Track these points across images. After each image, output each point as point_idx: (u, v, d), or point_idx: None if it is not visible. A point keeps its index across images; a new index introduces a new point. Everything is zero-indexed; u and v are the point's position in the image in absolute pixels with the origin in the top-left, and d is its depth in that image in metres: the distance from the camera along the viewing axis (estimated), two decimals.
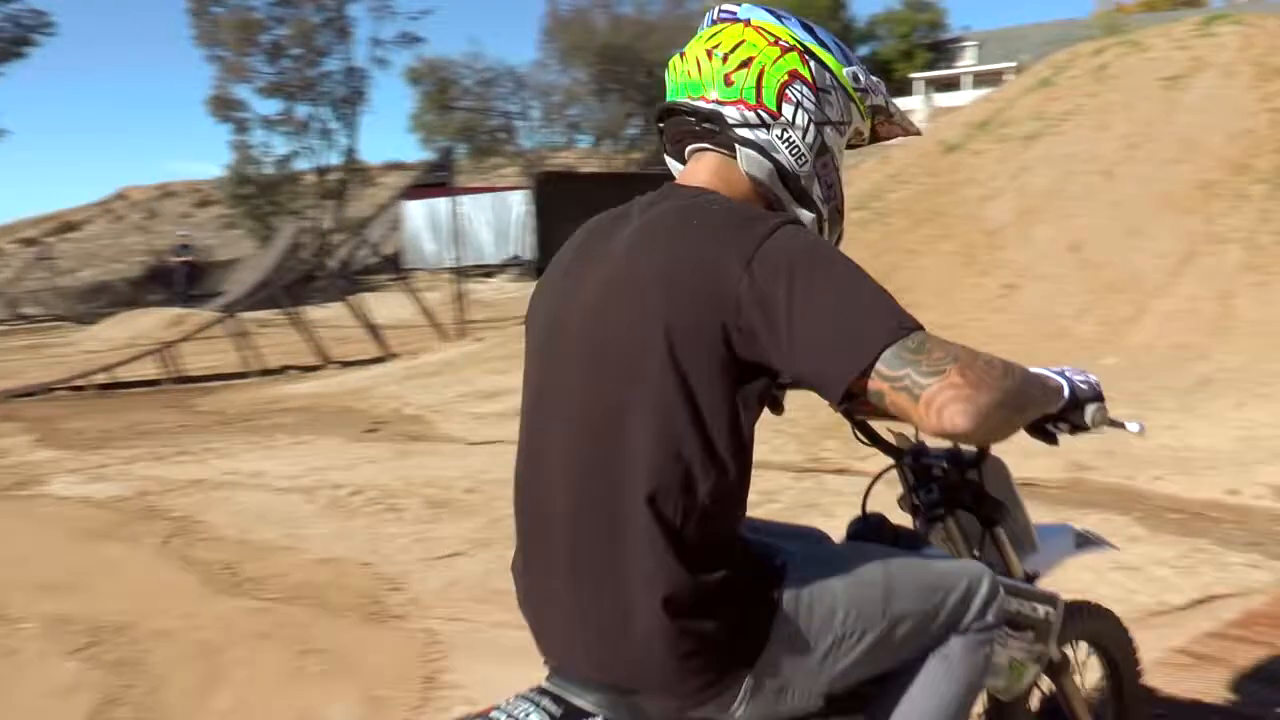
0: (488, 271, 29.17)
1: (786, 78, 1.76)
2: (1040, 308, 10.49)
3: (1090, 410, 1.88)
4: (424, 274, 26.59)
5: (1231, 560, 4.69)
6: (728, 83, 1.76)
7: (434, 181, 26.19)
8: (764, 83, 1.75)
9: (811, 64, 1.80)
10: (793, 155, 1.77)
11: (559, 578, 1.70)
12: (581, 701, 1.71)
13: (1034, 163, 13.08)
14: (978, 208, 12.81)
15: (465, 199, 29.21)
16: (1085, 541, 2.48)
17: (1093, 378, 1.91)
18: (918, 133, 2.12)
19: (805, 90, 1.78)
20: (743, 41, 1.77)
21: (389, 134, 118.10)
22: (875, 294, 1.55)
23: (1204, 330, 9.44)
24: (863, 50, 72.23)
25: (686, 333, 1.57)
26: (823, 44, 1.84)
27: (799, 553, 1.78)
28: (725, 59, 1.76)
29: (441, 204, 25.81)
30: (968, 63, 71.84)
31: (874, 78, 1.94)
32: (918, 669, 1.83)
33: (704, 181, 1.78)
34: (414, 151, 62.79)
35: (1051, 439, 1.95)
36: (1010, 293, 10.94)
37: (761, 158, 1.76)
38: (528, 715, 1.69)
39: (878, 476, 2.23)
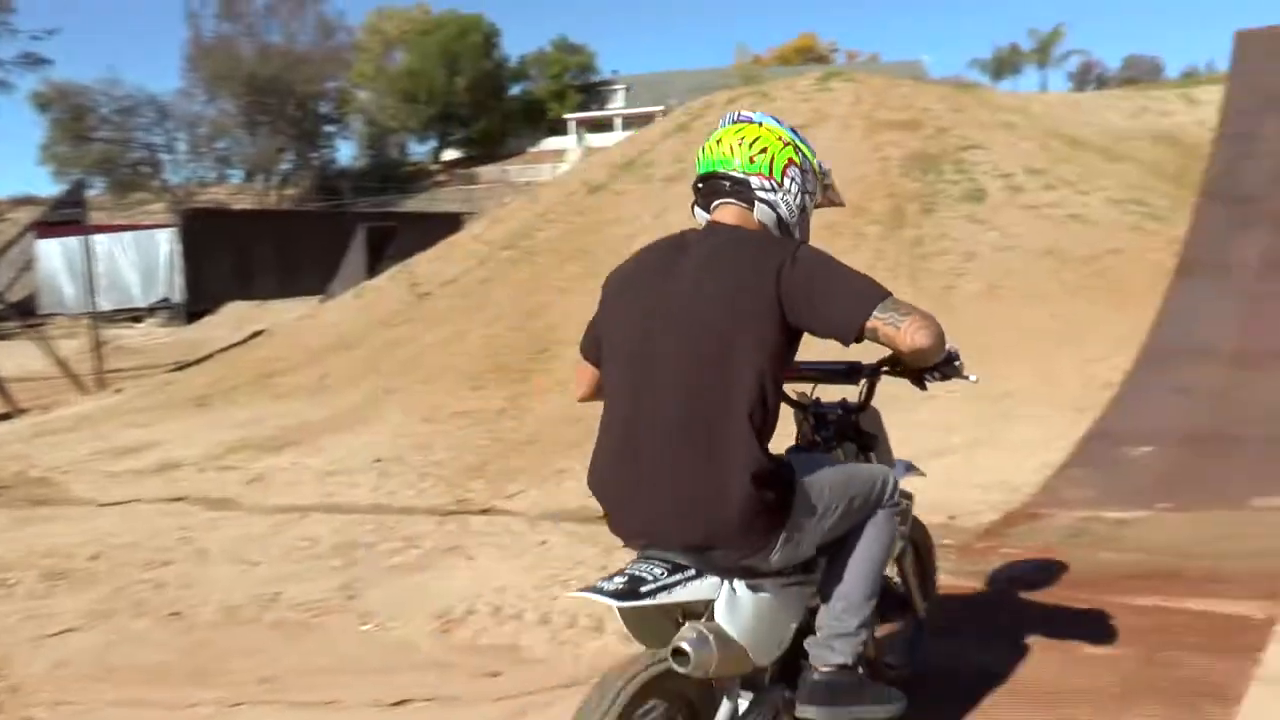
0: (135, 316, 27.40)
1: (787, 162, 2.82)
2: None
3: (957, 364, 2.89)
4: (64, 319, 24.73)
5: None
6: (751, 161, 2.79)
7: (66, 219, 24.40)
8: (774, 164, 2.80)
9: (800, 154, 2.85)
10: (788, 211, 2.81)
11: (658, 476, 2.61)
12: (676, 560, 2.61)
13: (675, 203, 13.68)
14: (623, 246, 13.18)
15: (105, 238, 27.44)
16: (911, 468, 3.49)
17: (956, 345, 2.86)
18: (843, 204, 3.20)
19: (796, 171, 2.83)
20: (760, 136, 2.83)
21: (17, 165, 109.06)
22: (862, 276, 2.62)
23: (831, 358, 10.18)
24: (515, 90, 73.44)
25: (757, 315, 2.59)
26: (804, 142, 2.91)
27: (795, 457, 2.88)
28: (750, 146, 2.81)
29: (81, 243, 24.16)
30: (618, 105, 74.23)
31: (826, 164, 3.01)
32: (858, 537, 2.84)
33: (732, 223, 2.79)
34: (48, 185, 58.43)
35: (923, 385, 2.99)
36: None
37: (770, 211, 2.80)
38: (651, 569, 2.57)
39: (799, 430, 3.22)
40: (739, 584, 2.65)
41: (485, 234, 16.02)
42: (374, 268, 19.55)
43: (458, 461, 7.57)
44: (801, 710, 2.82)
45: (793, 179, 2.82)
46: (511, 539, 5.91)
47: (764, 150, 2.81)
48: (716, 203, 2.83)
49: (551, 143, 71.70)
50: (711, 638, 2.55)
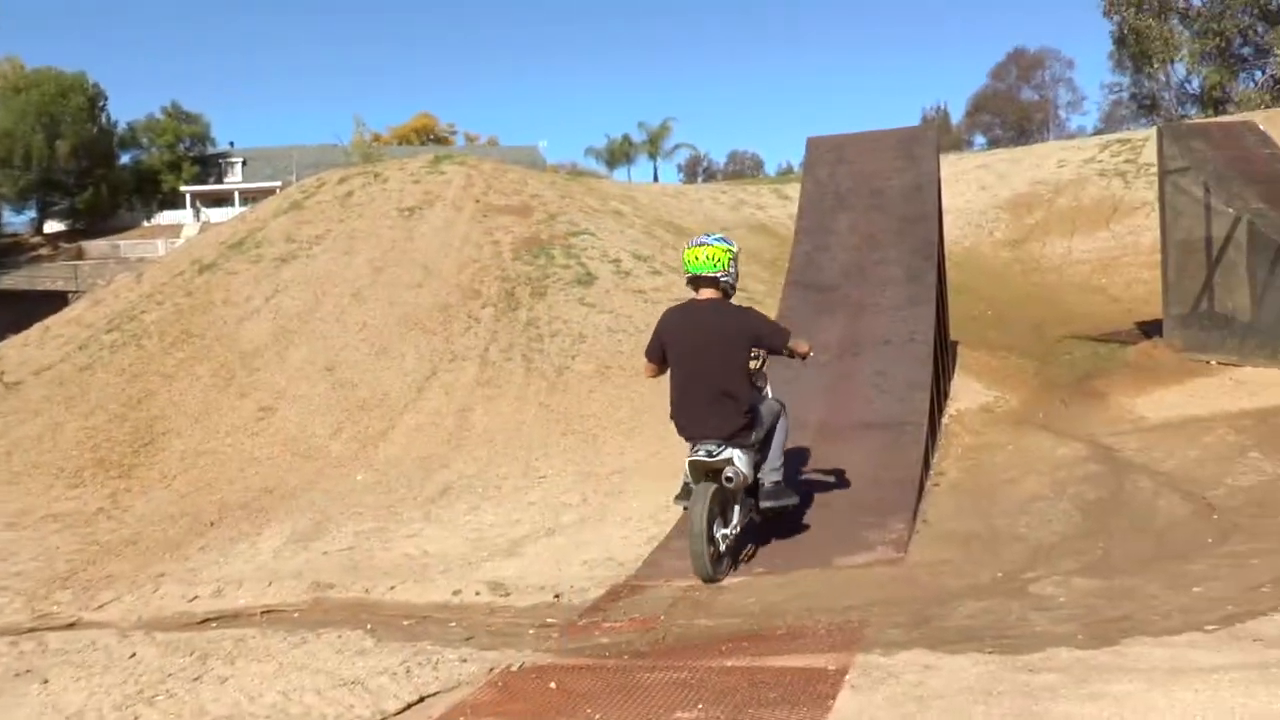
0: None
1: (729, 259, 6.35)
2: (296, 429, 10.72)
3: (810, 354, 6.67)
4: None
5: (447, 657, 4.87)
6: (714, 265, 6.32)
7: None
8: (726, 262, 6.34)
9: (733, 253, 6.40)
10: (733, 284, 6.47)
11: (708, 407, 6.22)
12: (717, 443, 6.19)
13: (288, 284, 13.39)
14: (234, 329, 12.85)
15: None
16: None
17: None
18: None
19: (734, 264, 6.42)
20: (715, 252, 6.34)
21: None
22: (781, 325, 6.85)
23: (445, 441, 10.23)
24: (125, 158, 69.42)
25: (742, 338, 6.33)
26: (732, 245, 6.47)
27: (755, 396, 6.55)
28: (711, 258, 6.32)
29: None
30: (236, 179, 71.78)
31: (735, 247, 6.65)
32: (774, 429, 6.55)
33: (715, 296, 6.39)
34: None
35: (790, 357, 6.64)
36: (267, 415, 11.06)
37: (728, 286, 6.43)
38: (710, 446, 6.15)
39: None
40: (739, 451, 6.16)
41: (85, 316, 14.96)
42: None
43: (44, 571, 6.96)
44: (762, 502, 6.41)
45: (733, 267, 6.34)
46: (97, 655, 5.35)
47: (719, 260, 6.26)
48: (701, 286, 6.32)
49: (167, 216, 68.18)
50: (739, 469, 6.12)
